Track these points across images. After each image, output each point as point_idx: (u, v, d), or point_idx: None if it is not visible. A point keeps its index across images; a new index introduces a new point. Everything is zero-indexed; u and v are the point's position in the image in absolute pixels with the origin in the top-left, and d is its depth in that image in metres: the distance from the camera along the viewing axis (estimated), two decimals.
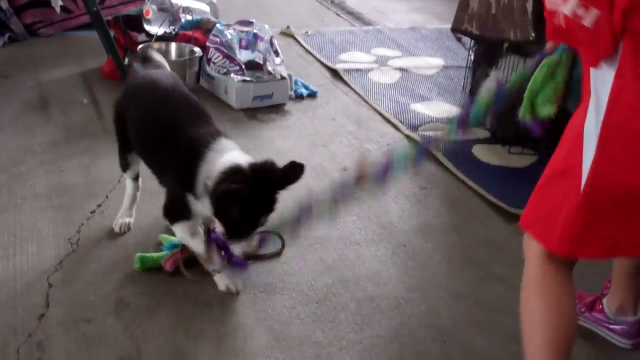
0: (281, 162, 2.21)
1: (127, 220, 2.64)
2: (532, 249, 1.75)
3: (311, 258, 2.59)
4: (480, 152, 3.46)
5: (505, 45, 3.46)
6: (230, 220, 2.16)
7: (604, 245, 1.63)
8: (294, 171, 2.18)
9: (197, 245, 2.32)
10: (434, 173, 3.27)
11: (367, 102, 4.00)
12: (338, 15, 5.71)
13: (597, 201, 1.57)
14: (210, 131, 2.29)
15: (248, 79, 3.77)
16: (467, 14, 3.78)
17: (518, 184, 3.19)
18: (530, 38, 3.23)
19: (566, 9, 1.51)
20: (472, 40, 3.95)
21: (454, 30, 3.96)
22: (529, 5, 3.18)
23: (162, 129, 2.33)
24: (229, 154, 2.20)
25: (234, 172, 2.12)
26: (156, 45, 3.85)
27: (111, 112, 2.61)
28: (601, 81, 1.54)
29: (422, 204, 3.02)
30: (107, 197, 2.82)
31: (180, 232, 2.35)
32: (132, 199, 2.65)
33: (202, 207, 2.22)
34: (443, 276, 2.56)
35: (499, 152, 3.47)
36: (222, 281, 2.37)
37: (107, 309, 2.24)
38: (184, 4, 4.22)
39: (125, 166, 2.61)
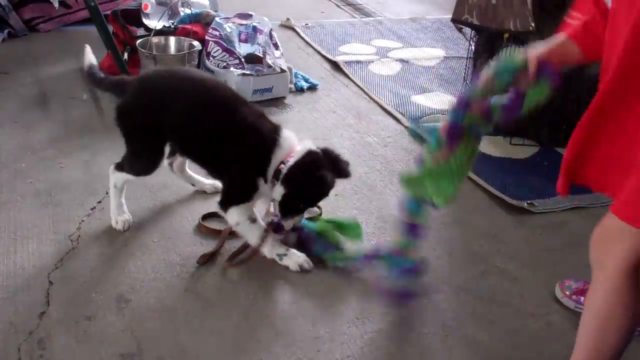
0: None
1: (126, 217, 2.64)
2: (618, 256, 1.67)
3: None
4: (482, 144, 3.42)
5: (506, 35, 3.43)
6: (295, 201, 2.42)
7: None
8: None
9: (255, 230, 2.45)
10: None
11: (367, 95, 3.98)
12: (338, 6, 5.69)
13: None
14: (272, 123, 2.49)
15: (248, 72, 3.75)
16: (467, 4, 3.75)
17: (520, 175, 3.18)
18: (530, 28, 3.21)
19: None
20: (473, 31, 3.93)
21: (454, 20, 3.94)
22: None
23: (223, 121, 2.43)
24: (300, 143, 2.44)
25: (311, 160, 2.40)
26: (155, 39, 3.83)
27: (115, 111, 2.53)
28: None
29: None
30: (107, 193, 2.81)
31: (238, 217, 2.44)
32: (121, 194, 2.64)
33: (267, 189, 2.43)
34: (445, 270, 2.55)
35: (501, 143, 3.45)
36: (292, 262, 2.45)
37: (108, 306, 2.24)
38: None
39: (152, 169, 2.56)
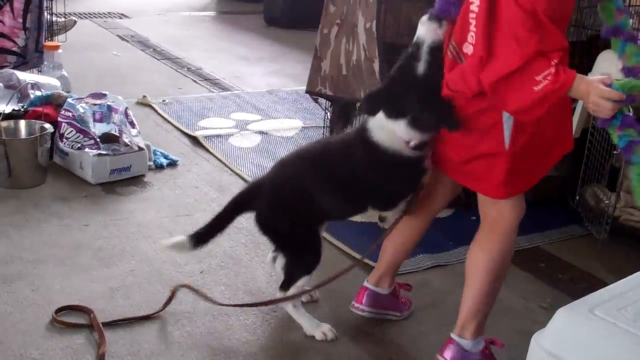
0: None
1: (327, 326, 2.58)
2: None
3: (178, 334, 2.51)
4: None
5: (358, 104, 3.57)
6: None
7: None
8: None
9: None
10: None
11: (229, 168, 3.99)
12: (195, 81, 5.71)
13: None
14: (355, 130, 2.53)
15: (104, 152, 3.67)
16: (320, 76, 3.89)
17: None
18: None
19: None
20: (327, 101, 4.06)
21: (309, 92, 4.06)
22: (376, 66, 3.31)
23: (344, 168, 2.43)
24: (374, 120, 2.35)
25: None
26: (4, 123, 3.68)
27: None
28: None
29: None
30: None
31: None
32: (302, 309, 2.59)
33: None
34: (313, 339, 2.54)
35: None
36: None
37: None
38: (33, 80, 4.09)
39: (319, 254, 2.54)
